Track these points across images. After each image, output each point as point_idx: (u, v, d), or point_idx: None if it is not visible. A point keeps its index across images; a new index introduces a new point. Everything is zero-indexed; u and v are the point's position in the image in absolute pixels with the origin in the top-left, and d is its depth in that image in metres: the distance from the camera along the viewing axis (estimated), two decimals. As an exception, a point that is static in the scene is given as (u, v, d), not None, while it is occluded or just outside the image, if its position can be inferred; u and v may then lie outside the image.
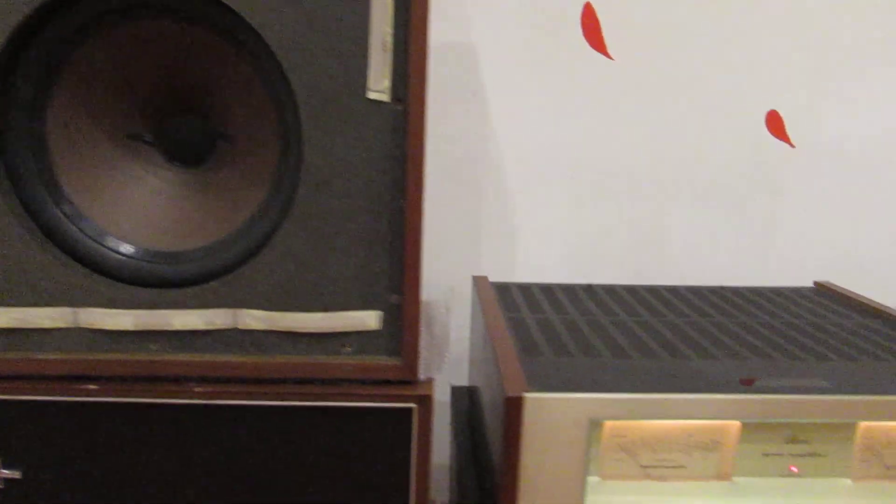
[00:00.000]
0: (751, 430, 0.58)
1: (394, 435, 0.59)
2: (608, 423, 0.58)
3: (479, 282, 0.89)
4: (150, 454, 0.59)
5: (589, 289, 0.89)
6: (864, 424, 0.59)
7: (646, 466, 0.59)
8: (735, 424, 0.58)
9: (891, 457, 0.60)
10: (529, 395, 0.54)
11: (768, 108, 1.07)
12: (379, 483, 0.60)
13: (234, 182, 0.62)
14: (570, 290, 0.88)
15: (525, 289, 0.88)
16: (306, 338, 0.59)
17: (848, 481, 0.60)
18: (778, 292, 0.89)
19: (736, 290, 0.90)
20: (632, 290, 0.89)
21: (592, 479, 0.59)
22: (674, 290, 0.90)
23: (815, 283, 0.94)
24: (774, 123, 1.09)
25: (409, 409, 0.59)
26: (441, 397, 0.87)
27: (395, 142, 0.56)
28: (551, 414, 0.55)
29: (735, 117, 1.07)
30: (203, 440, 0.59)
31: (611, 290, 0.89)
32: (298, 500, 0.60)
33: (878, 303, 0.84)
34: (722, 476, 0.60)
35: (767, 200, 1.09)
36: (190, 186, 0.63)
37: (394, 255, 0.58)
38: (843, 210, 1.09)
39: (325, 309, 0.59)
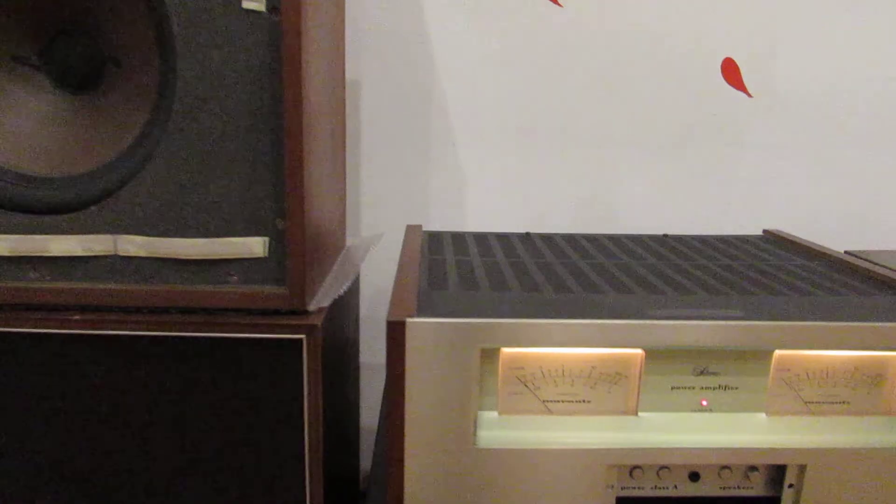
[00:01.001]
0: (656, 360, 0.55)
1: (283, 367, 0.56)
2: (504, 354, 0.54)
3: (411, 229, 0.86)
4: (29, 386, 0.56)
5: (526, 237, 0.86)
6: (778, 354, 0.56)
7: (547, 401, 0.56)
8: (638, 355, 0.55)
9: (807, 390, 0.57)
10: (412, 320, 0.51)
11: (724, 56, 1.03)
12: (271, 416, 0.57)
13: (120, 106, 0.59)
14: (504, 237, 0.85)
15: (458, 236, 0.85)
16: (191, 266, 0.56)
17: (762, 415, 0.57)
18: (724, 240, 0.86)
19: (680, 238, 0.86)
20: (570, 238, 0.86)
21: (490, 415, 0.56)
22: (614, 237, 0.86)
23: (765, 231, 0.91)
24: (730, 72, 1.05)
25: (299, 341, 0.56)
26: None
27: (274, 55, 0.53)
28: (437, 341, 0.51)
29: (689, 65, 1.03)
30: (83, 371, 0.56)
31: (548, 238, 0.85)
32: (185, 434, 0.57)
33: (824, 247, 0.80)
34: (628, 410, 0.56)
35: (723, 152, 1.05)
36: (77, 111, 0.60)
37: (279, 178, 0.55)
38: (802, 161, 1.05)
39: (208, 234, 0.56)
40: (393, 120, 1.02)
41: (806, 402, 0.57)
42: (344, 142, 0.82)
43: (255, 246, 0.56)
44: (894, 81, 1.03)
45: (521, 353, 0.55)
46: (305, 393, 0.56)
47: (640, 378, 0.55)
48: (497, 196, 1.05)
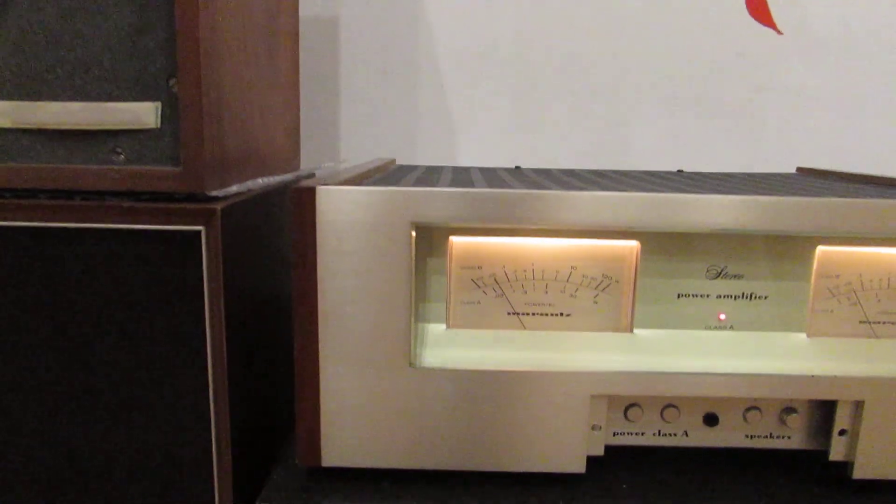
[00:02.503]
0: (657, 255, 0.41)
1: (181, 260, 0.44)
2: (455, 247, 0.41)
3: (385, 162, 0.74)
4: None
5: (516, 170, 0.73)
6: (822, 251, 0.41)
7: (514, 313, 0.43)
8: (632, 248, 0.42)
9: (864, 304, 0.42)
10: (324, 187, 0.39)
11: (750, -14, 0.90)
12: (168, 315, 0.45)
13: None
14: (489, 170, 0.72)
15: (433, 168, 0.72)
16: (68, 140, 0.45)
17: (801, 336, 0.42)
18: (751, 175, 0.72)
19: (698, 173, 0.73)
20: (571, 172, 0.73)
21: (436, 328, 0.43)
22: (622, 172, 0.73)
23: (798, 168, 0.76)
24: (757, 6, 0.92)
25: (195, 233, 0.44)
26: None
27: None
28: (357, 214, 0.39)
29: (711, 0, 0.90)
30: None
31: (545, 171, 0.72)
32: (61, 350, 0.45)
33: (868, 174, 0.66)
34: (621, 327, 0.43)
35: (751, 98, 0.92)
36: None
37: (173, 23, 0.43)
38: (840, 107, 0.91)
39: (87, 98, 0.44)
40: (374, 59, 0.91)
41: (862, 322, 0.43)
42: (296, 64, 0.71)
43: (145, 114, 0.45)
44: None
45: (477, 244, 0.42)
46: (207, 291, 0.44)
47: (635, 282, 0.42)
48: (490, 146, 0.93)
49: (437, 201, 0.38)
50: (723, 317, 0.42)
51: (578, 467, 0.41)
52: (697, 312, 0.42)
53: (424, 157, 0.94)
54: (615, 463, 0.45)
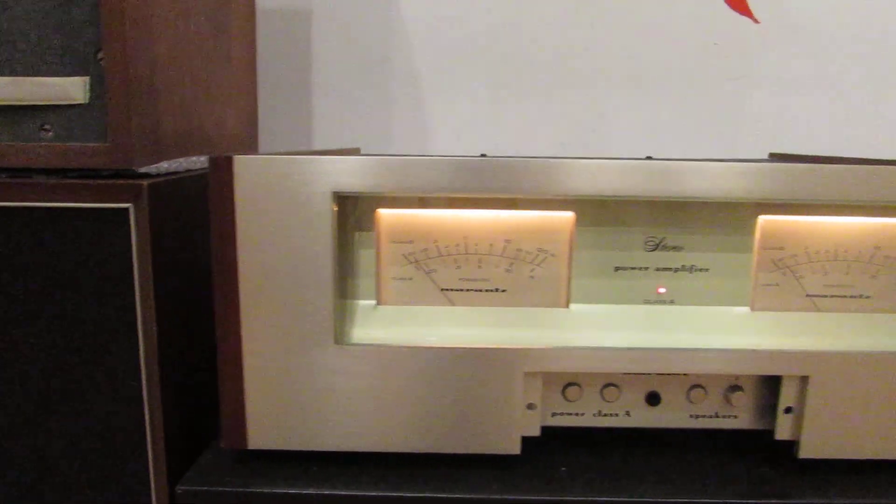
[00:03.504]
0: (592, 226, 0.40)
1: (111, 239, 0.43)
2: (383, 219, 0.40)
3: (348, 150, 0.73)
4: None
5: (482, 157, 0.72)
6: (765, 221, 0.40)
7: (448, 289, 0.41)
8: (567, 219, 0.40)
9: (810, 277, 0.41)
10: (241, 156, 0.37)
11: (724, -27, 0.89)
12: (98, 295, 0.43)
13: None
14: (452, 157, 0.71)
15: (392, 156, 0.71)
16: (-6, 118, 0.44)
17: (744, 310, 0.41)
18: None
19: (667, 160, 0.71)
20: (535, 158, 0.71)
21: (365, 304, 0.41)
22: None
23: (771, 154, 0.75)
24: (733, -6, 0.91)
25: (123, 211, 0.43)
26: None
27: None
28: (274, 184, 0.37)
29: (685, -13, 0.89)
30: None
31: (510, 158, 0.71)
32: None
33: (840, 156, 0.64)
34: (557, 302, 0.41)
35: (728, 86, 0.90)
36: None
37: (101, -3, 0.42)
38: (820, 98, 0.89)
39: (14, 73, 0.44)
40: (347, 50, 0.90)
41: (809, 295, 0.41)
42: (253, 47, 0.70)
43: (73, 88, 0.44)
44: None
45: (406, 217, 0.40)
46: (136, 271, 0.43)
47: (570, 255, 0.40)
48: (465, 136, 0.92)
49: (357, 169, 0.37)
50: (662, 290, 0.40)
51: (513, 448, 0.40)
52: (636, 286, 0.40)
53: (399, 148, 0.92)
54: (555, 445, 0.43)
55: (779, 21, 0.89)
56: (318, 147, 0.92)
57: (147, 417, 0.45)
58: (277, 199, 0.37)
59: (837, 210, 0.40)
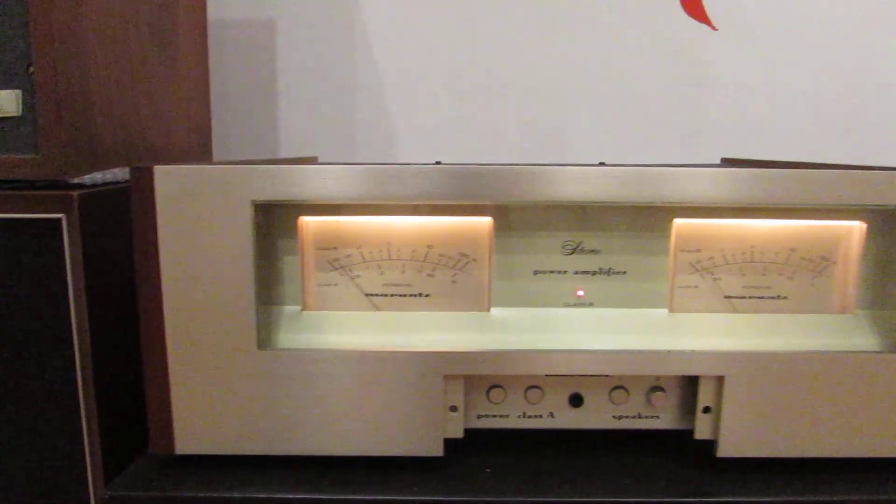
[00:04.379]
0: (510, 231, 0.41)
1: (44, 249, 0.44)
2: (307, 227, 0.41)
3: (305, 159, 0.73)
4: None
5: (436, 165, 0.72)
6: (680, 225, 0.41)
7: (372, 295, 0.42)
8: (485, 224, 0.41)
9: (727, 279, 0.41)
10: (162, 167, 0.38)
11: (681, -19, 0.90)
12: (33, 305, 0.44)
13: None
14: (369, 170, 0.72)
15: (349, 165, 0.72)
16: (-71, 131, 0.45)
17: (663, 312, 0.42)
18: (671, 166, 0.71)
19: (619, 166, 0.72)
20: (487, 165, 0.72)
21: (291, 310, 0.42)
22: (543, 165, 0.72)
23: (723, 158, 0.76)
24: (692, 4, 0.92)
25: (55, 221, 0.43)
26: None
27: None
28: (195, 194, 0.38)
29: (644, -4, 0.90)
30: None
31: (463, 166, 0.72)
32: None
33: (790, 161, 0.65)
34: (479, 306, 0.42)
35: (687, 93, 0.91)
36: None
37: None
38: (779, 102, 0.90)
39: (-53, 87, 0.44)
40: (311, 61, 0.91)
41: (727, 296, 0.42)
42: (205, 59, 0.70)
43: (6, 101, 0.44)
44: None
45: (330, 224, 0.41)
46: (70, 280, 0.43)
47: (490, 260, 0.41)
48: (428, 146, 0.92)
49: (275, 178, 0.38)
50: (581, 293, 0.41)
51: (436, 450, 0.40)
52: (555, 289, 0.41)
53: (363, 156, 0.93)
54: (482, 446, 0.44)
55: (736, 28, 0.90)
56: (283, 156, 0.93)
57: (84, 424, 0.45)
58: (198, 209, 0.38)
59: (754, 213, 0.40)
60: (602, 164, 0.75)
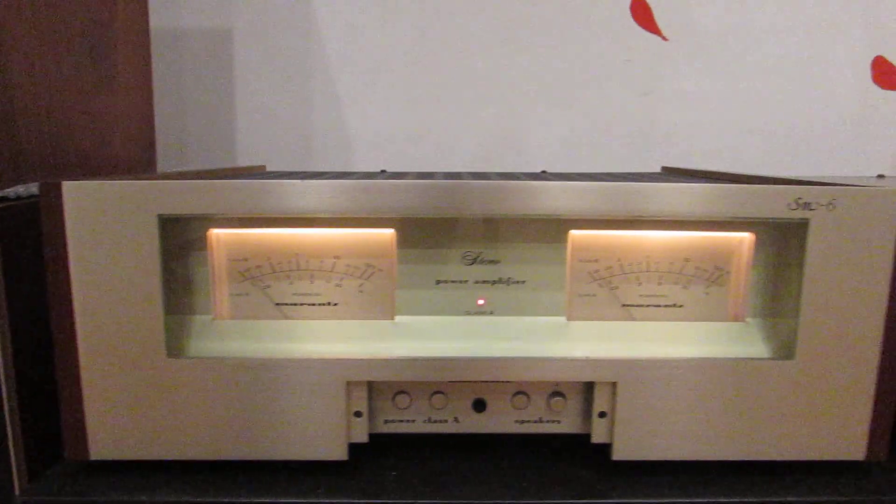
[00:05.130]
0: (412, 242, 0.42)
1: None
2: (217, 239, 0.42)
3: (252, 168, 0.75)
4: None
5: (381, 173, 0.74)
6: (575, 236, 0.42)
7: (282, 304, 0.43)
8: (388, 235, 0.42)
9: (624, 288, 0.43)
10: (70, 182, 0.39)
11: (631, -8, 0.92)
12: None
13: None
14: (349, 174, 0.73)
15: (296, 174, 0.73)
16: None
17: (561, 320, 0.43)
18: (611, 175, 0.73)
19: (560, 174, 0.74)
20: (430, 175, 0.74)
21: (202, 319, 0.43)
22: (481, 174, 0.74)
23: (663, 167, 0.78)
24: (641, 12, 0.94)
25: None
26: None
27: None
28: (103, 208, 0.39)
29: (597, 6, 0.92)
30: None
31: (403, 174, 0.73)
32: None
33: (725, 172, 0.67)
34: (385, 314, 0.43)
35: (638, 101, 0.93)
36: None
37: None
38: (730, 111, 0.92)
39: None
40: (268, 69, 0.92)
41: (624, 305, 0.43)
42: (148, 69, 0.71)
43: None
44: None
45: (240, 236, 0.42)
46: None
47: (394, 270, 0.43)
48: (386, 152, 0.94)
49: (182, 193, 0.39)
50: (481, 302, 0.43)
51: (340, 454, 0.42)
52: (456, 298, 0.43)
53: (318, 163, 0.95)
54: (389, 451, 0.45)
55: (686, 39, 0.92)
56: (240, 163, 0.94)
57: (9, 433, 0.47)
58: (107, 222, 0.39)
59: (649, 225, 0.42)
60: (544, 172, 0.77)
